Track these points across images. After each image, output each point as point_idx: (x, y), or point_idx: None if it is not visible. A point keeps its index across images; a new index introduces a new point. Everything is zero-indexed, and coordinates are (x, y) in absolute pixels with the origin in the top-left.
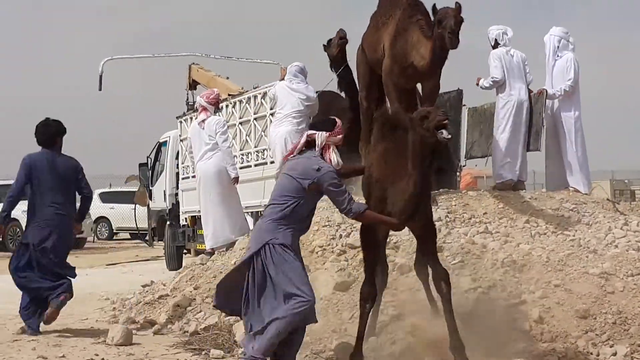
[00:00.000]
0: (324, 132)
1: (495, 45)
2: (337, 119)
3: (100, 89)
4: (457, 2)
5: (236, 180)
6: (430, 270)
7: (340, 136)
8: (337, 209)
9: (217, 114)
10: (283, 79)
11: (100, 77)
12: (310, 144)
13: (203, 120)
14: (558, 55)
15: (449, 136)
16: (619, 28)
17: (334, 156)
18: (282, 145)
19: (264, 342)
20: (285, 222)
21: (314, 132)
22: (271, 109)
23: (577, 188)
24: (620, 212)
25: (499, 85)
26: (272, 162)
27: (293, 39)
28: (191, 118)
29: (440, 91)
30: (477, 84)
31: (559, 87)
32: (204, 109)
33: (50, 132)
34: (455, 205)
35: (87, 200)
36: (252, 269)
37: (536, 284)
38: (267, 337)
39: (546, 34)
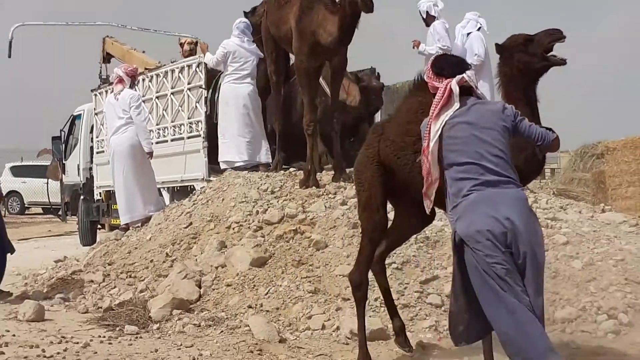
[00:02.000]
0: (470, 72)
1: (428, 17)
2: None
3: (9, 56)
4: None
5: (150, 155)
6: None
7: None
8: (534, 141)
9: (134, 88)
10: (203, 54)
11: (10, 43)
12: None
13: (119, 92)
14: (466, 36)
15: (566, 58)
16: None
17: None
18: (244, 104)
19: None
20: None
21: (461, 76)
22: (189, 83)
23: None
24: (530, 189)
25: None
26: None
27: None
28: (106, 91)
29: (354, 69)
30: (416, 47)
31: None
32: (120, 80)
33: None
34: None
35: None
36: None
37: (448, 260)
38: None
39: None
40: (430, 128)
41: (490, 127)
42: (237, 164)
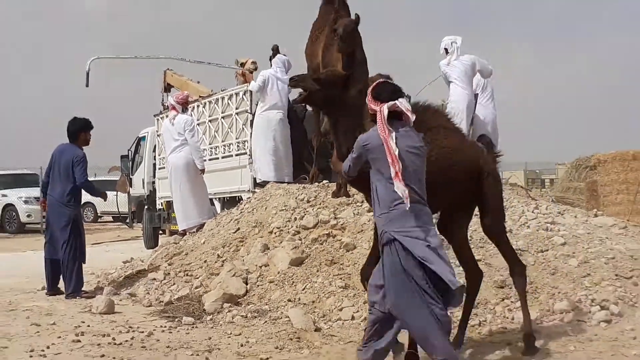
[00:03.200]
0: (403, 99)
1: (447, 54)
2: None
3: (87, 85)
4: (356, 14)
5: (202, 171)
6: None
7: None
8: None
9: (189, 113)
10: (244, 79)
11: (88, 74)
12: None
13: (174, 117)
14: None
15: None
16: (539, 33)
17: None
18: (273, 130)
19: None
20: None
21: (393, 102)
22: (237, 108)
23: None
24: (532, 197)
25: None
26: (242, 154)
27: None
28: (166, 116)
29: None
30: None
31: None
32: (173, 107)
33: (71, 128)
34: None
35: (82, 187)
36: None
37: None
38: None
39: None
40: (389, 143)
41: (419, 153)
42: (265, 179)
